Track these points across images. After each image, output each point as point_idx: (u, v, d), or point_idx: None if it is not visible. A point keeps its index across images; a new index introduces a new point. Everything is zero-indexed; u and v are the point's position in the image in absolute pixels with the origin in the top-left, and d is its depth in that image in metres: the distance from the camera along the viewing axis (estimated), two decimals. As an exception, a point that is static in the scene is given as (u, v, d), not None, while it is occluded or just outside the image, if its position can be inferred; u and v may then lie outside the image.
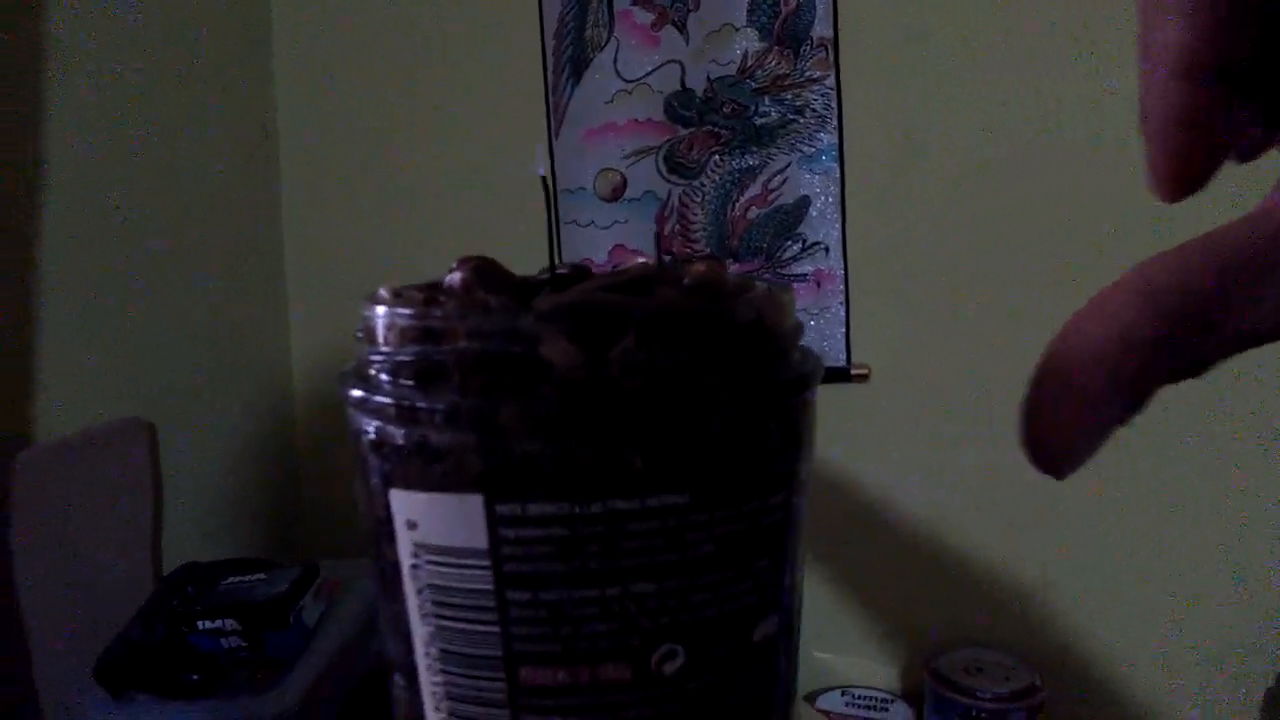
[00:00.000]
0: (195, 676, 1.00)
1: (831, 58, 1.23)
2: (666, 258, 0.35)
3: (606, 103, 1.32)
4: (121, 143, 1.23)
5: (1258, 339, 0.20)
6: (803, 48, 1.24)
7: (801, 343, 0.28)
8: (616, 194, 1.32)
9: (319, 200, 1.58)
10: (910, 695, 1.34)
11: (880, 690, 1.36)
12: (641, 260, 0.29)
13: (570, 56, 1.33)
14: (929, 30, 1.24)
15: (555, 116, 1.36)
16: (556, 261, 0.30)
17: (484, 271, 0.27)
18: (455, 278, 0.27)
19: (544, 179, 0.32)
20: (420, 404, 0.24)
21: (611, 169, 1.31)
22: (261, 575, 1.11)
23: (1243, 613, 1.20)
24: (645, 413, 0.23)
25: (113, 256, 1.22)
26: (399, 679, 0.27)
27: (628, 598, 0.24)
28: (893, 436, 1.32)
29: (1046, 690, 1.23)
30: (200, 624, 1.02)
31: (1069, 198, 1.19)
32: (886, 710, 1.33)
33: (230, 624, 1.02)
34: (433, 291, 0.27)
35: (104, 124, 1.20)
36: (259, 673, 1.03)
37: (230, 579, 1.10)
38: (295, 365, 1.62)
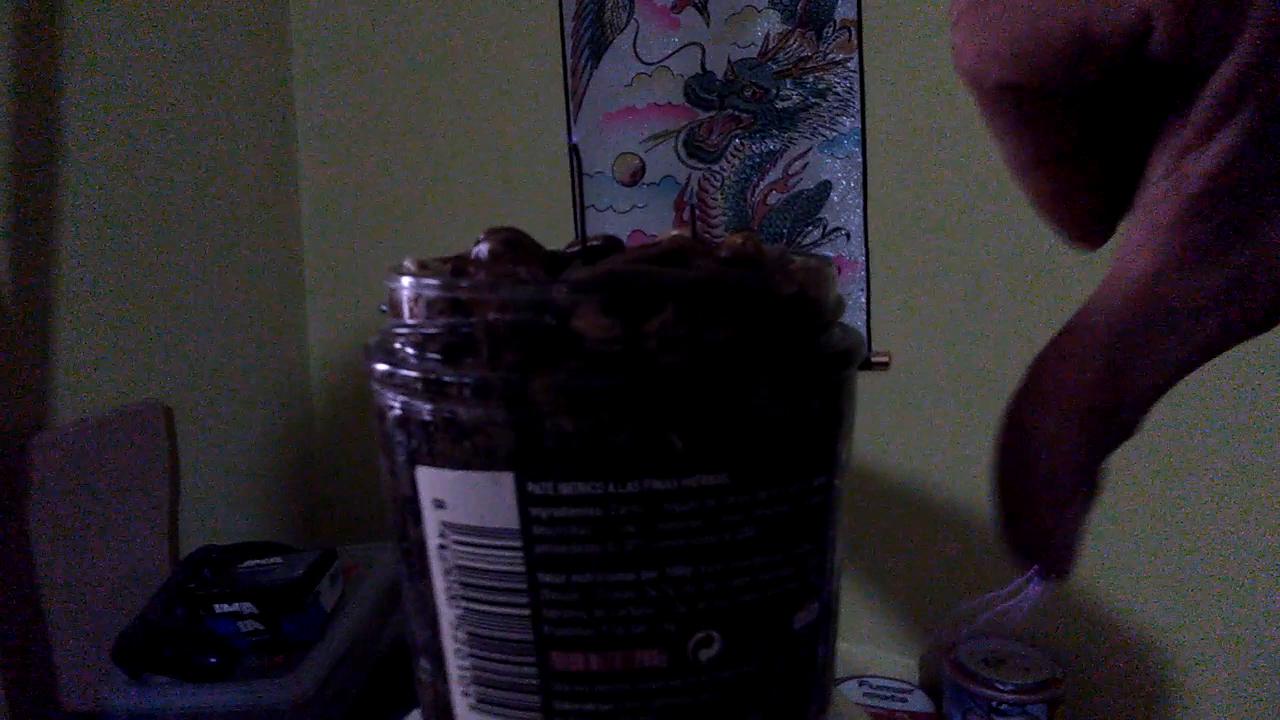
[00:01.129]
0: (213, 659, 1.00)
1: (855, 40, 1.21)
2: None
3: (626, 86, 1.31)
4: (140, 130, 1.23)
5: (1171, 384, 0.22)
6: (825, 30, 1.22)
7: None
8: (635, 178, 1.31)
9: (337, 185, 1.57)
10: (929, 685, 1.33)
11: (898, 680, 1.35)
12: (674, 233, 0.28)
13: (589, 39, 1.32)
14: (954, 12, 1.22)
15: (574, 100, 1.35)
16: (583, 233, 0.29)
17: (513, 242, 0.26)
18: (483, 248, 0.26)
19: (574, 146, 0.31)
20: (448, 378, 0.23)
21: (630, 153, 1.30)
22: (278, 559, 1.10)
23: (1275, 606, 1.19)
24: (684, 389, 0.22)
25: (129, 241, 1.21)
26: (425, 663, 0.27)
27: (664, 581, 0.23)
28: (914, 424, 1.31)
29: (1067, 682, 1.22)
30: (218, 607, 1.02)
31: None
32: (905, 700, 1.32)
33: (248, 607, 1.02)
34: (458, 262, 0.27)
35: (123, 112, 1.20)
36: (276, 656, 1.03)
37: (247, 563, 1.10)
38: (312, 349, 1.61)
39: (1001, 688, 1.19)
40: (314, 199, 1.58)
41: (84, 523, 1.10)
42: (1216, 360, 0.22)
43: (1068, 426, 0.22)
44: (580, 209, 0.31)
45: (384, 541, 1.28)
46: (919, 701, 1.31)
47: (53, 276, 1.10)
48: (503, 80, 1.44)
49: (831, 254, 1.27)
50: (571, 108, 1.36)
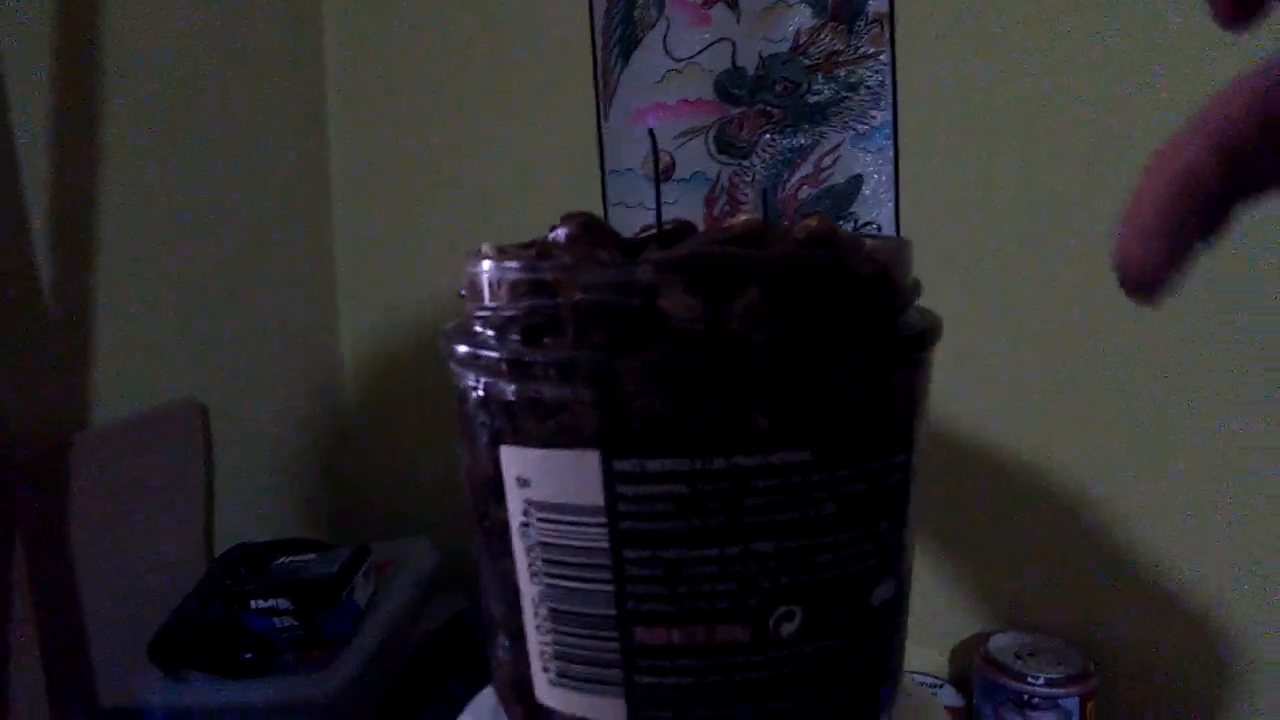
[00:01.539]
0: (248, 655, 1.01)
1: (887, 33, 1.21)
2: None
3: (656, 82, 1.31)
4: (175, 132, 1.24)
5: None
6: (857, 23, 1.22)
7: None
8: (665, 174, 1.31)
9: (369, 182, 1.58)
10: (959, 679, 1.32)
11: (928, 674, 1.35)
12: (745, 216, 0.28)
13: (619, 36, 1.32)
14: (988, 2, 1.22)
15: (604, 98, 1.36)
16: (660, 216, 0.29)
17: (590, 225, 0.26)
18: (561, 232, 0.26)
19: (651, 132, 0.31)
20: (533, 358, 0.24)
21: (660, 149, 1.30)
22: (313, 556, 1.11)
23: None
24: (769, 368, 0.23)
25: (164, 242, 1.22)
26: (503, 640, 0.27)
27: (747, 557, 0.23)
28: (948, 419, 1.31)
29: (1100, 675, 1.22)
30: (254, 603, 1.03)
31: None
32: (935, 695, 1.32)
33: (283, 603, 1.03)
34: (538, 246, 0.27)
35: (158, 112, 1.21)
36: (312, 652, 1.04)
37: (282, 559, 1.11)
38: (345, 347, 1.62)
39: (1033, 681, 1.18)
40: (346, 197, 1.59)
41: (121, 521, 1.11)
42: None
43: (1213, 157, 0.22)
44: (657, 192, 0.31)
45: (417, 537, 1.29)
46: (949, 696, 1.31)
47: (91, 278, 1.11)
48: (533, 78, 1.45)
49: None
50: (601, 105, 1.36)
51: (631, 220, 1.37)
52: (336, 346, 1.61)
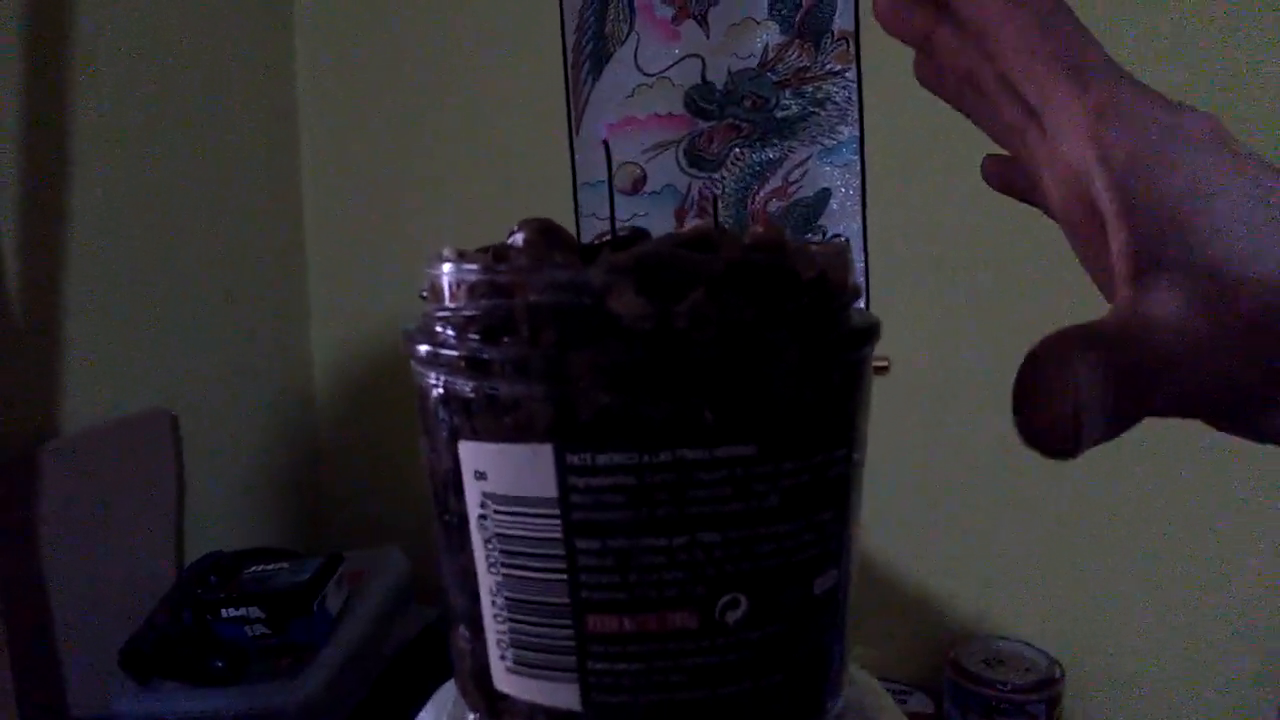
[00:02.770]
0: (220, 663, 1.01)
1: (853, 50, 1.23)
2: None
3: (627, 97, 1.33)
4: (145, 140, 1.24)
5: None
6: (824, 40, 1.24)
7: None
8: (637, 187, 1.32)
9: (340, 193, 1.59)
10: (929, 686, 1.34)
11: (898, 682, 1.36)
12: (697, 222, 0.29)
13: (591, 51, 1.34)
14: (949, 23, 1.24)
15: (575, 112, 1.37)
16: (614, 222, 0.30)
17: (547, 230, 0.27)
18: (519, 236, 0.27)
19: (605, 143, 0.32)
20: (489, 356, 0.25)
21: (631, 162, 1.32)
22: (284, 564, 1.11)
23: (1270, 604, 1.20)
24: (714, 364, 0.24)
25: (135, 251, 1.23)
26: (463, 630, 0.28)
27: (695, 546, 0.24)
28: (913, 428, 1.32)
29: (1066, 681, 1.23)
30: (225, 612, 1.03)
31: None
32: (905, 701, 1.33)
33: (255, 612, 1.03)
34: (496, 250, 0.28)
35: (128, 120, 1.21)
36: (283, 660, 1.04)
37: (253, 568, 1.11)
38: (316, 356, 1.62)
39: (1001, 687, 1.20)
40: (317, 208, 1.60)
41: (92, 529, 1.11)
42: None
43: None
44: (610, 200, 0.32)
45: (389, 546, 1.29)
46: (919, 702, 1.32)
47: (60, 288, 1.11)
48: (505, 92, 1.46)
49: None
50: (573, 119, 1.37)
51: (598, 234, 1.38)
52: (308, 355, 1.61)
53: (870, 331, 0.27)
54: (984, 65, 0.31)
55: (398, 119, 1.54)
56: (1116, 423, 0.24)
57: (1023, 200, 0.35)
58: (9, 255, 1.05)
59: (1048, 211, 0.33)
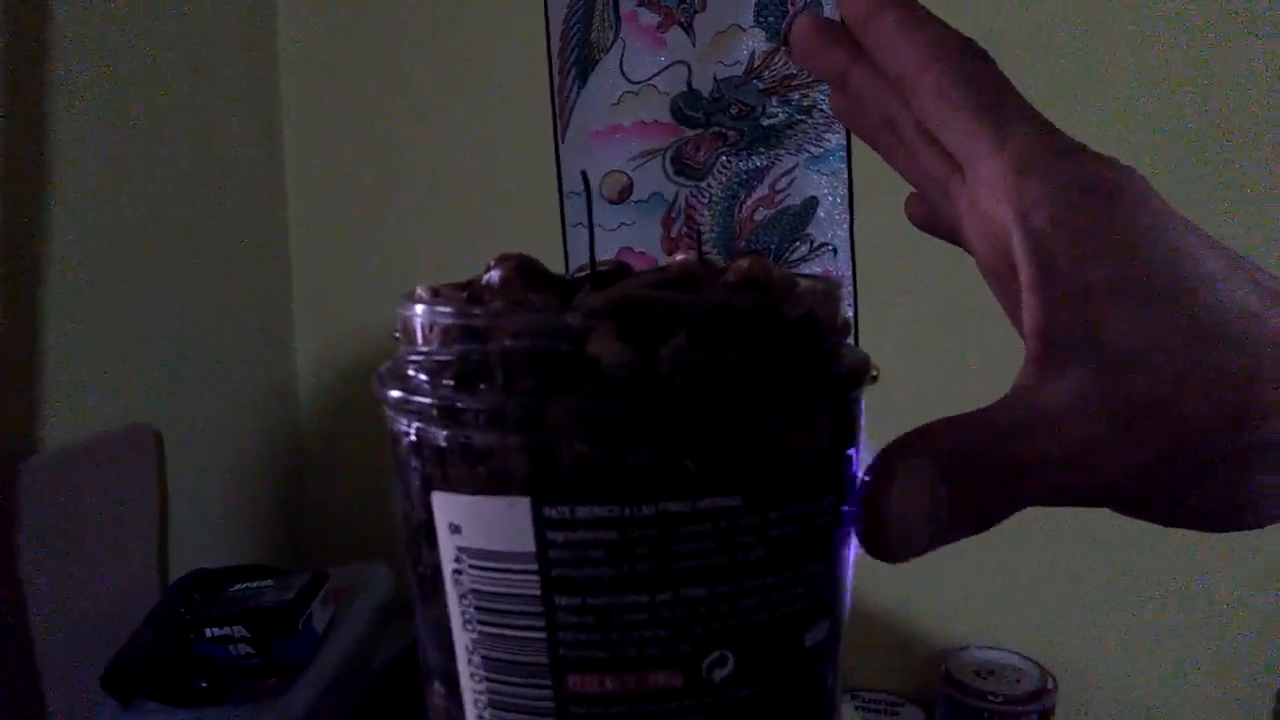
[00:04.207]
0: (204, 684, 1.00)
1: (840, 58, 1.22)
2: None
3: (613, 105, 1.32)
4: (125, 149, 1.23)
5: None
6: (810, 47, 1.23)
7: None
8: (623, 196, 1.31)
9: (324, 205, 1.57)
10: (920, 698, 1.33)
11: (890, 694, 1.35)
12: (681, 257, 0.28)
13: (576, 59, 1.33)
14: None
15: (561, 119, 1.36)
16: (594, 259, 0.29)
17: (525, 268, 0.26)
18: (495, 275, 0.26)
19: (583, 173, 0.31)
20: (463, 404, 0.23)
21: (618, 171, 1.31)
22: (269, 582, 1.10)
23: (1260, 615, 1.20)
24: (698, 412, 0.23)
25: (117, 263, 1.21)
26: (439, 687, 0.27)
27: (678, 602, 0.23)
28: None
29: (1058, 693, 1.23)
30: (208, 631, 1.02)
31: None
32: (897, 714, 1.32)
33: (239, 631, 1.02)
34: (472, 289, 0.27)
35: (108, 129, 1.20)
36: (268, 679, 1.02)
37: (238, 586, 1.10)
38: (300, 371, 1.61)
39: (993, 699, 1.19)
40: (301, 221, 1.58)
41: (73, 547, 1.09)
42: None
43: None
44: (590, 235, 0.31)
45: (374, 562, 1.27)
46: (911, 714, 1.32)
47: (40, 302, 1.10)
48: (490, 99, 1.45)
49: (818, 270, 1.28)
50: (559, 126, 1.36)
51: (583, 243, 1.37)
52: (292, 372, 1.60)
53: (859, 373, 0.26)
54: (902, 111, 0.30)
55: (382, 129, 1.53)
56: (963, 525, 0.24)
57: (947, 240, 0.34)
58: (-14, 270, 1.04)
59: (971, 253, 0.32)
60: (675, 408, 0.23)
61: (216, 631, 1.02)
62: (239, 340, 1.46)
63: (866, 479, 0.24)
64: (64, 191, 1.12)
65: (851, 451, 0.26)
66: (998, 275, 0.29)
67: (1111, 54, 1.17)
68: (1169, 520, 0.25)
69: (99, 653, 1.01)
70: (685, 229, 1.30)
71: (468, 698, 0.25)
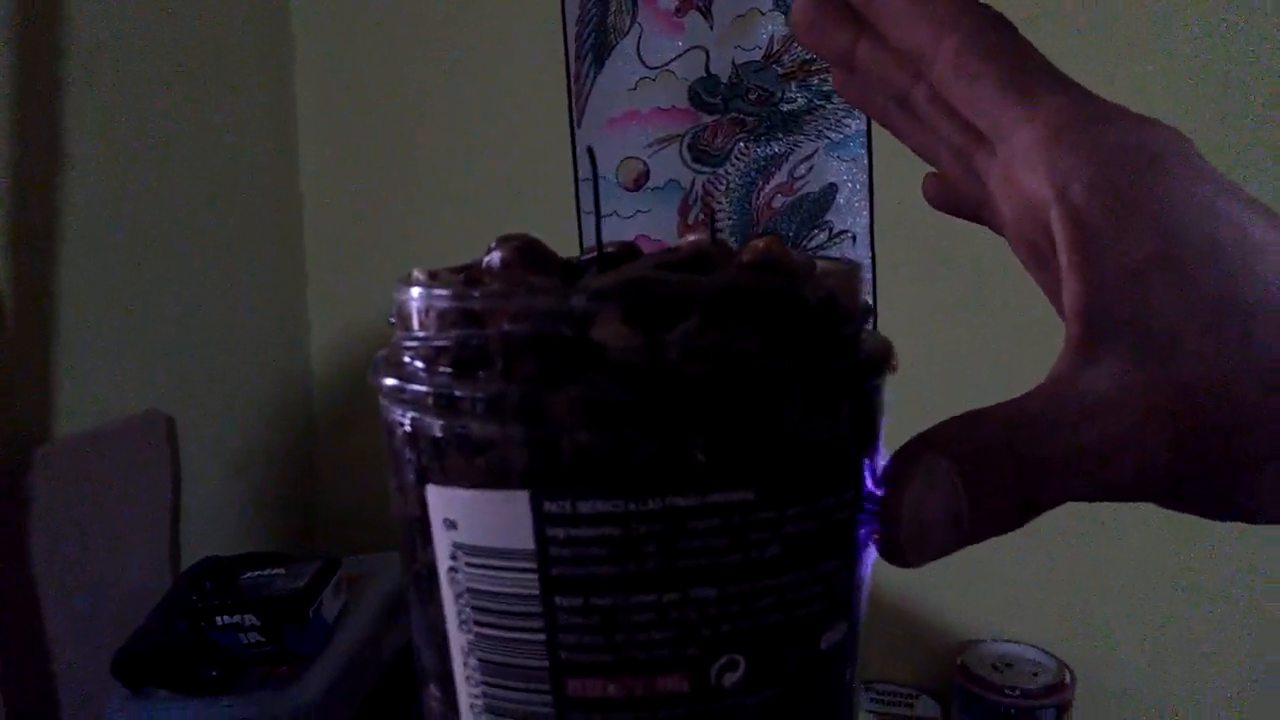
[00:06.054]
0: (214, 672, 0.99)
1: (860, 42, 1.20)
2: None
3: (629, 90, 1.30)
4: (140, 139, 1.22)
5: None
6: (830, 31, 1.21)
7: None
8: (639, 183, 1.30)
9: (338, 194, 1.56)
10: (936, 691, 1.32)
11: (905, 686, 1.34)
12: (693, 237, 0.27)
13: (592, 44, 1.31)
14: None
15: (577, 105, 1.34)
16: (600, 240, 0.28)
17: (527, 250, 0.25)
18: (495, 257, 0.25)
19: (590, 150, 0.30)
20: (460, 392, 0.22)
21: (634, 157, 1.29)
22: (281, 570, 1.09)
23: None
24: (709, 401, 0.21)
25: (131, 252, 1.20)
26: (434, 689, 0.25)
27: (686, 603, 0.22)
28: (918, 425, 1.30)
29: (1076, 687, 1.21)
30: (220, 619, 1.01)
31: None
32: (911, 706, 1.31)
33: (250, 619, 1.01)
34: (470, 272, 0.25)
35: (122, 119, 1.19)
36: (279, 668, 1.02)
37: (249, 574, 1.09)
38: (314, 358, 1.60)
39: (1010, 692, 1.18)
40: (316, 207, 1.57)
41: (85, 534, 1.09)
42: None
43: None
44: (597, 214, 0.29)
45: (387, 551, 1.27)
46: (926, 707, 1.30)
47: (53, 289, 1.09)
48: (505, 86, 1.44)
49: (838, 256, 1.26)
50: (575, 112, 1.35)
51: (604, 229, 1.36)
52: (305, 358, 1.59)
53: (882, 362, 0.24)
54: (915, 85, 0.29)
55: (397, 115, 1.52)
56: (984, 528, 0.23)
57: (970, 220, 0.33)
58: (1, 259, 1.03)
59: (998, 231, 0.30)
60: (685, 396, 0.21)
61: (227, 619, 1.01)
62: (252, 328, 1.45)
63: (881, 479, 0.23)
64: (79, 181, 1.11)
65: (872, 443, 0.24)
66: (1035, 252, 0.28)
67: (1129, 43, 1.15)
68: (1217, 514, 0.23)
69: (110, 640, 1.01)
70: (700, 213, 1.28)
71: (463, 702, 0.24)
